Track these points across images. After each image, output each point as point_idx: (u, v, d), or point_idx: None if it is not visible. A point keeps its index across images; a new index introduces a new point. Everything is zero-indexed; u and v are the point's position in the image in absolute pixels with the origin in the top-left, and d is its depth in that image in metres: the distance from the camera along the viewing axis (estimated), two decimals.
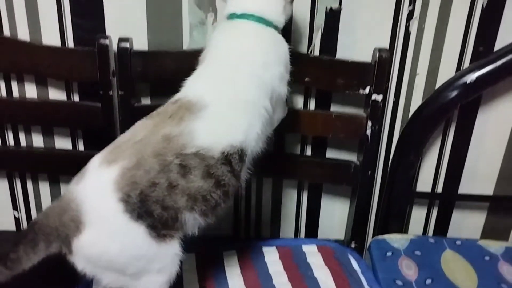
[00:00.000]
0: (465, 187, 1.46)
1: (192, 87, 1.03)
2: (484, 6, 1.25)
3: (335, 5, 1.26)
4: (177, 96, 1.03)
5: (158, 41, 1.30)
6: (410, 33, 1.29)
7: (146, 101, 1.35)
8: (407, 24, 1.28)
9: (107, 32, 1.29)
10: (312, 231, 1.54)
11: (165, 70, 1.27)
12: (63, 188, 1.48)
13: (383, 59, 1.24)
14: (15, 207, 1.50)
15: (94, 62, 1.25)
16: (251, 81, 1.03)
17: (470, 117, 1.38)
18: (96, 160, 0.96)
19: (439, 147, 1.42)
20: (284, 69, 1.09)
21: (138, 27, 1.28)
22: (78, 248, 0.92)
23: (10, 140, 1.42)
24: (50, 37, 1.29)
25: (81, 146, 1.43)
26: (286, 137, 1.41)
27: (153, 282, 0.96)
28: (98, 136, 1.32)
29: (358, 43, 1.29)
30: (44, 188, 1.48)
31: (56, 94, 1.36)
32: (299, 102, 1.37)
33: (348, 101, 1.35)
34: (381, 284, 1.26)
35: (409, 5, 1.26)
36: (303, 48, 1.31)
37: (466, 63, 1.31)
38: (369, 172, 1.36)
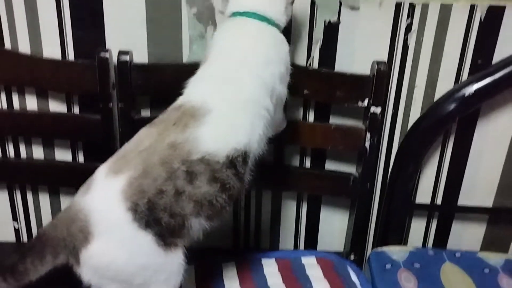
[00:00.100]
0: (464, 199, 1.46)
1: (195, 91, 1.03)
2: (482, 19, 1.26)
3: (333, 19, 1.26)
4: (180, 101, 1.03)
5: (158, 54, 1.31)
6: (408, 46, 1.29)
7: (146, 113, 1.36)
8: (406, 37, 1.28)
9: (108, 45, 1.30)
10: (311, 243, 1.54)
11: (165, 83, 1.28)
12: (63, 199, 1.48)
13: (381, 72, 1.24)
14: (15, 218, 1.51)
15: (94, 75, 1.26)
16: (253, 79, 1.03)
17: (469, 129, 1.38)
18: (102, 170, 0.97)
19: (438, 159, 1.42)
20: (284, 69, 1.09)
21: (138, 40, 1.29)
22: (86, 258, 0.92)
23: (11, 152, 1.42)
24: (51, 50, 1.30)
25: (81, 158, 1.43)
26: (285, 149, 1.41)
27: None
28: (98, 148, 1.32)
29: (356, 56, 1.30)
30: (44, 199, 1.48)
31: (56, 106, 1.37)
32: (298, 114, 1.37)
33: (347, 113, 1.36)
34: None
35: (407, 18, 1.27)
36: (302, 61, 1.31)
37: (465, 76, 1.32)
38: (368, 184, 1.36)
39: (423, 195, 1.46)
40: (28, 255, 0.93)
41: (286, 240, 1.54)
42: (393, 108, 1.36)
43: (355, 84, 1.27)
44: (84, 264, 0.93)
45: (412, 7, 1.25)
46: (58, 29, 1.29)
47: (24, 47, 1.30)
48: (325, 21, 1.27)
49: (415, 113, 1.36)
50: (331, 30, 1.28)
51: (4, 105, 1.37)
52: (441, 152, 1.41)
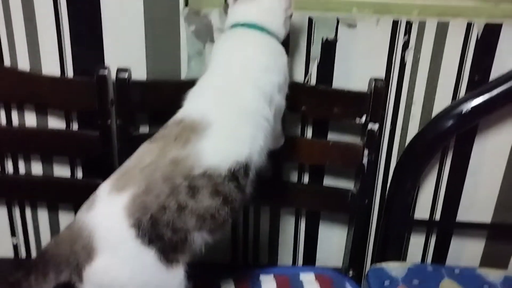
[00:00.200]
0: (463, 215, 1.45)
1: (195, 104, 1.04)
2: (479, 36, 1.27)
3: (331, 36, 1.27)
4: (180, 114, 1.03)
5: (157, 71, 1.31)
6: (405, 63, 1.30)
7: (144, 129, 1.36)
8: (403, 54, 1.29)
9: (107, 62, 1.30)
10: (310, 258, 1.54)
11: (163, 100, 1.28)
12: (61, 215, 1.48)
13: (378, 89, 1.25)
14: (13, 233, 1.51)
15: (93, 92, 1.26)
16: (253, 90, 1.03)
17: (467, 145, 1.38)
18: (105, 188, 0.97)
19: (437, 175, 1.42)
20: (283, 80, 1.10)
21: (137, 57, 1.30)
22: (90, 275, 0.92)
23: (9, 168, 1.43)
24: (50, 67, 1.31)
25: (79, 174, 1.43)
26: (283, 165, 1.41)
27: None
28: (97, 164, 1.33)
29: (354, 73, 1.30)
30: (43, 215, 1.48)
31: (55, 123, 1.37)
32: (296, 130, 1.38)
33: (345, 129, 1.36)
34: None
35: (405, 35, 1.27)
36: (300, 78, 1.32)
37: (462, 92, 1.32)
38: (366, 200, 1.36)
39: (421, 211, 1.46)
40: (31, 272, 0.94)
41: (285, 256, 1.54)
42: (391, 124, 1.36)
43: (353, 101, 1.28)
44: (87, 281, 0.92)
45: (409, 24, 1.26)
46: (57, 46, 1.30)
47: (24, 64, 1.31)
48: (322, 38, 1.28)
49: (413, 129, 1.36)
50: (329, 47, 1.29)
51: (3, 122, 1.37)
52: (439, 167, 1.41)
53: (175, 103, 1.06)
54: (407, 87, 1.32)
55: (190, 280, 1.24)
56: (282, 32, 1.14)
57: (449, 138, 1.35)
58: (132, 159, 1.00)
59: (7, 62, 1.31)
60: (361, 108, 1.27)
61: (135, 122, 1.33)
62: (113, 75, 1.26)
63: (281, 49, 1.12)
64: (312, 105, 1.30)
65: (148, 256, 0.92)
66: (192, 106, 1.04)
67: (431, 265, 1.41)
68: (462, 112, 1.28)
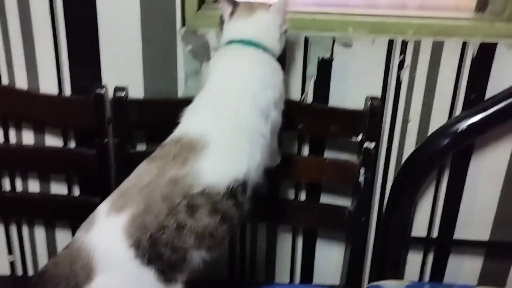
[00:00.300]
0: (460, 232, 1.45)
1: (193, 122, 1.04)
2: (474, 55, 1.27)
3: (327, 55, 1.28)
4: (178, 132, 1.03)
5: (154, 89, 1.32)
6: (401, 82, 1.30)
7: (141, 147, 1.37)
8: (399, 73, 1.30)
9: (104, 80, 1.31)
10: (307, 276, 1.53)
11: (160, 118, 1.28)
12: (58, 233, 1.48)
13: (374, 107, 1.25)
14: (10, 251, 1.50)
15: (90, 111, 1.27)
16: (251, 107, 1.04)
17: (464, 163, 1.38)
18: (104, 208, 0.97)
19: (434, 192, 1.42)
20: (279, 95, 1.10)
21: (134, 76, 1.31)
22: None
23: (7, 185, 1.43)
24: (48, 85, 1.32)
25: (76, 192, 1.43)
26: (280, 182, 1.41)
27: None
28: (94, 182, 1.33)
29: (350, 91, 1.31)
30: (40, 232, 1.48)
31: (52, 141, 1.38)
32: (293, 148, 1.38)
33: (342, 147, 1.36)
34: None
35: (400, 54, 1.28)
36: (296, 96, 1.32)
37: (458, 109, 1.33)
38: (363, 218, 1.35)
39: (419, 229, 1.45)
40: None
41: (282, 273, 1.53)
42: (387, 142, 1.37)
43: (349, 119, 1.28)
44: None
45: (404, 43, 1.27)
46: (55, 65, 1.30)
47: (21, 82, 1.32)
48: (318, 57, 1.29)
49: (410, 147, 1.37)
50: (325, 66, 1.29)
51: (1, 139, 1.38)
52: (436, 185, 1.41)
53: (172, 121, 1.07)
54: (403, 105, 1.33)
55: None
56: (277, 48, 1.15)
57: (446, 156, 1.35)
58: (131, 179, 1.00)
59: (4, 80, 1.32)
60: (357, 127, 1.27)
61: (132, 140, 1.34)
62: (110, 94, 1.27)
63: (277, 66, 1.13)
64: (309, 123, 1.30)
65: (147, 276, 0.92)
66: (190, 124, 1.04)
67: (429, 283, 1.41)
68: (458, 130, 1.28)
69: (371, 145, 1.27)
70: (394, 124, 1.35)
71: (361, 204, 1.34)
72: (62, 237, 1.48)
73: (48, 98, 1.31)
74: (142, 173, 0.99)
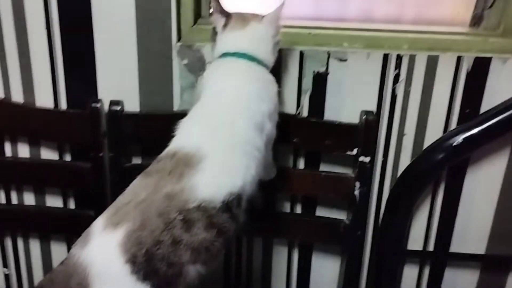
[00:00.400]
0: (456, 246, 1.45)
1: (188, 136, 1.04)
2: (469, 70, 1.28)
3: (322, 69, 1.28)
4: (173, 146, 1.03)
5: (150, 103, 1.32)
6: (396, 96, 1.31)
7: (137, 160, 1.37)
8: (394, 87, 1.30)
9: (100, 94, 1.32)
10: None
11: (155, 132, 1.28)
12: (53, 246, 1.48)
13: (369, 122, 1.26)
14: (5, 264, 1.50)
15: (85, 124, 1.27)
16: (246, 120, 1.04)
17: (459, 176, 1.38)
18: (100, 223, 0.96)
19: (429, 206, 1.42)
20: (273, 108, 1.10)
21: (130, 90, 1.31)
22: None
23: (2, 198, 1.43)
24: (44, 99, 1.33)
25: (72, 205, 1.43)
26: (275, 196, 1.41)
27: None
28: (89, 195, 1.33)
29: (345, 105, 1.31)
30: (35, 246, 1.48)
31: (48, 154, 1.38)
32: (288, 161, 1.38)
33: (337, 160, 1.36)
34: None
35: (395, 68, 1.28)
36: (292, 110, 1.33)
37: (453, 123, 1.33)
38: (359, 232, 1.35)
39: (415, 242, 1.45)
40: None
41: (278, 287, 1.52)
42: (383, 156, 1.37)
43: (344, 133, 1.29)
44: None
45: (399, 58, 1.27)
46: (51, 79, 1.31)
47: (17, 96, 1.33)
48: (314, 72, 1.29)
49: (405, 161, 1.37)
50: (320, 80, 1.30)
51: None
52: (432, 199, 1.41)
53: (168, 135, 1.06)
54: (399, 119, 1.33)
55: None
56: (271, 60, 1.15)
57: (441, 170, 1.35)
58: (127, 194, 0.99)
59: (1, 94, 1.33)
60: (352, 141, 1.28)
61: (127, 154, 1.34)
62: (106, 108, 1.27)
63: (270, 78, 1.13)
64: (304, 137, 1.30)
65: None
66: (185, 138, 1.04)
67: None
68: (453, 144, 1.28)
69: (366, 159, 1.27)
70: (389, 138, 1.35)
71: (357, 218, 1.34)
72: (57, 250, 1.48)
73: (44, 111, 1.31)
74: (138, 188, 0.99)
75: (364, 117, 1.25)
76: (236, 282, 1.52)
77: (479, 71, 1.28)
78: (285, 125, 1.17)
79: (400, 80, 1.29)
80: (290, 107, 1.33)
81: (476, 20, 1.38)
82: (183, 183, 0.95)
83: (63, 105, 1.33)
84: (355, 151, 1.28)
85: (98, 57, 1.29)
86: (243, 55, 1.11)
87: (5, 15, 1.27)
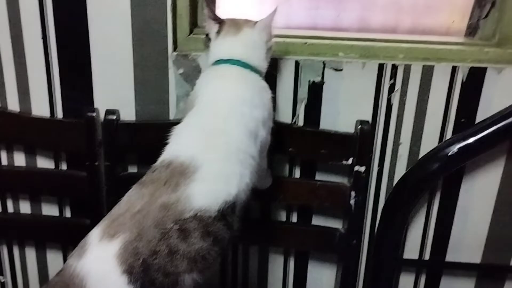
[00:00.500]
0: (452, 255, 1.45)
1: (182, 145, 1.04)
2: (464, 79, 1.28)
3: (317, 79, 1.29)
4: (168, 155, 1.03)
5: (145, 112, 1.32)
6: (392, 105, 1.31)
7: (133, 169, 1.37)
8: (389, 97, 1.30)
9: (96, 103, 1.32)
10: None
11: (151, 141, 1.27)
12: (49, 254, 1.48)
13: (364, 131, 1.26)
14: (1, 272, 1.50)
15: (81, 133, 1.27)
16: (240, 128, 1.04)
17: (455, 185, 1.38)
18: (96, 234, 0.96)
19: (425, 215, 1.42)
20: (267, 115, 1.10)
21: (126, 99, 1.31)
22: None
23: None
24: (40, 108, 1.33)
25: (67, 213, 1.43)
26: (271, 205, 1.41)
27: None
28: (85, 204, 1.33)
29: (341, 115, 1.32)
30: (30, 254, 1.48)
31: (44, 163, 1.38)
32: (284, 170, 1.38)
33: (333, 169, 1.36)
34: None
35: (390, 78, 1.29)
36: (288, 119, 1.33)
37: (449, 133, 1.33)
38: (355, 240, 1.35)
39: (411, 251, 1.45)
40: None
41: None
42: (378, 165, 1.37)
43: (340, 143, 1.29)
44: None
45: (394, 68, 1.28)
46: (47, 88, 1.31)
47: (13, 105, 1.33)
48: (309, 81, 1.29)
49: (401, 170, 1.37)
50: (316, 90, 1.30)
51: None
52: (427, 207, 1.41)
53: (163, 144, 1.06)
54: (394, 129, 1.33)
55: None
56: (264, 66, 1.15)
57: (436, 179, 1.35)
58: (122, 205, 0.99)
59: None
60: (348, 150, 1.28)
61: (123, 163, 1.34)
62: (102, 117, 1.27)
63: (264, 84, 1.13)
64: (300, 146, 1.30)
65: None
66: (179, 147, 1.04)
67: None
68: (448, 154, 1.28)
69: (362, 168, 1.27)
70: (385, 147, 1.35)
71: (353, 227, 1.34)
72: (53, 258, 1.48)
73: (40, 120, 1.31)
74: (134, 199, 0.99)
75: (359, 126, 1.26)
76: None
77: (475, 81, 1.29)
78: (281, 134, 1.17)
79: (395, 89, 1.29)
80: (286, 117, 1.33)
81: (472, 30, 1.39)
82: (179, 193, 0.96)
83: (59, 114, 1.33)
84: (350, 161, 1.28)
85: (94, 66, 1.29)
86: (237, 61, 1.11)
87: (1, 24, 1.27)
